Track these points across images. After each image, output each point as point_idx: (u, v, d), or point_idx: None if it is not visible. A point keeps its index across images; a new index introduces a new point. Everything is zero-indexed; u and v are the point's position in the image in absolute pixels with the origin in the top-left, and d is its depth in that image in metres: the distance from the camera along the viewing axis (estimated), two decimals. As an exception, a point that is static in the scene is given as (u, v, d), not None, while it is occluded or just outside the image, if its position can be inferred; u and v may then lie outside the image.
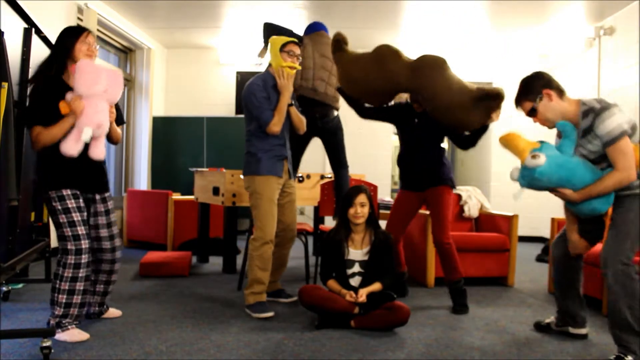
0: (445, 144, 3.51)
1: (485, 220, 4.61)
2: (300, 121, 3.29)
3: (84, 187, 2.68)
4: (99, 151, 2.64)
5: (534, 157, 2.43)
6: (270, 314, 3.04)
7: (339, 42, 3.37)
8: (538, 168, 2.43)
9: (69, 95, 2.52)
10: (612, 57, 5.81)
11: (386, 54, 3.21)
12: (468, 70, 7.55)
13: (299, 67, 3.24)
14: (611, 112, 2.35)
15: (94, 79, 2.51)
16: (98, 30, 5.62)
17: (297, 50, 3.19)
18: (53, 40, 3.00)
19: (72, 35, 2.63)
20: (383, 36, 6.86)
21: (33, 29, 2.64)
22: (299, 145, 3.98)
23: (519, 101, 2.62)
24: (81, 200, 2.62)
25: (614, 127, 2.33)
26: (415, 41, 7.05)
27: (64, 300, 2.54)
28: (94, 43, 2.68)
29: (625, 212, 2.40)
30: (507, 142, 2.57)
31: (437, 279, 4.08)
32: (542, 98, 2.52)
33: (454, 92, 3.06)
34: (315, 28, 4.23)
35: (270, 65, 3.23)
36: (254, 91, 3.13)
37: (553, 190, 2.50)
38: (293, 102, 3.25)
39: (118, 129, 2.89)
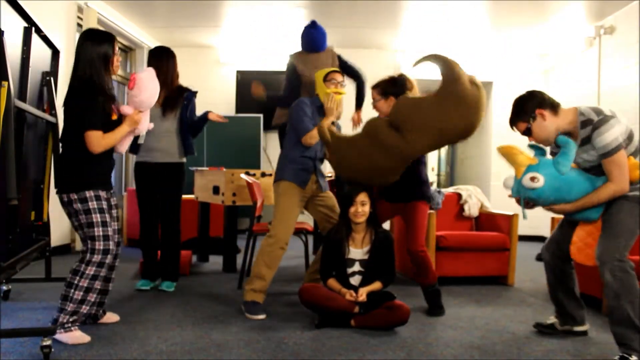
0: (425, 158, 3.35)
1: (486, 220, 4.61)
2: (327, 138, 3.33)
3: (110, 186, 2.76)
4: (125, 146, 2.81)
5: (532, 179, 2.46)
6: (262, 316, 3.04)
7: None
8: (536, 190, 2.47)
9: (127, 109, 2.70)
10: (612, 56, 5.81)
11: (376, 128, 2.90)
12: (468, 70, 7.57)
13: (345, 92, 3.33)
14: (609, 125, 2.39)
15: (155, 93, 2.81)
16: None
17: (339, 78, 3.30)
18: (53, 39, 3.00)
19: (109, 44, 2.64)
20: (383, 36, 6.87)
21: (33, 28, 2.64)
22: None
23: (513, 122, 2.64)
24: (109, 202, 2.71)
25: (611, 141, 2.38)
26: (415, 41, 7.06)
27: (79, 297, 2.52)
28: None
29: (615, 214, 2.46)
30: (506, 154, 2.61)
31: (438, 278, 4.07)
32: (536, 118, 2.55)
33: (439, 99, 2.77)
34: (312, 46, 4.21)
35: (317, 94, 3.33)
36: (300, 104, 3.26)
37: (548, 206, 2.56)
38: (335, 123, 3.34)
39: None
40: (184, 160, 3.79)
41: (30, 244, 2.78)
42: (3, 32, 2.16)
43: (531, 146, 2.66)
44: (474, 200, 4.68)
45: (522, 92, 2.66)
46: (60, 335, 2.49)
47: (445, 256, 4.11)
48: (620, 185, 2.42)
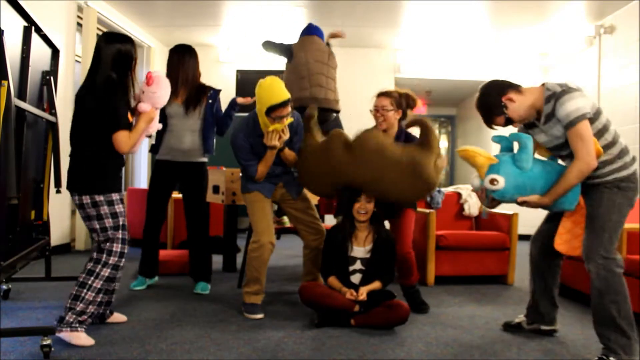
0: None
1: (485, 219, 4.61)
2: (293, 161, 3.20)
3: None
4: (138, 147, 2.72)
5: (492, 182, 2.42)
6: (260, 315, 3.04)
7: (308, 119, 3.15)
8: (498, 191, 2.44)
9: (144, 106, 2.68)
10: (612, 55, 5.81)
11: (333, 141, 2.97)
12: (468, 69, 7.58)
13: (289, 120, 3.01)
14: (571, 96, 2.30)
15: (167, 94, 2.79)
16: (98, 28, 5.62)
17: (285, 112, 2.94)
18: (53, 38, 3.00)
19: (131, 45, 2.66)
20: (382, 35, 6.87)
21: (33, 28, 2.64)
22: None
23: (490, 122, 2.56)
24: (123, 205, 2.69)
25: (573, 110, 2.27)
26: (415, 41, 7.05)
27: (90, 298, 2.51)
28: None
29: (595, 205, 2.38)
30: (465, 158, 2.56)
31: (437, 277, 4.08)
32: (507, 105, 2.48)
33: (401, 170, 2.82)
34: (308, 31, 4.18)
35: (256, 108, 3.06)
36: (237, 144, 3.08)
37: (520, 202, 2.47)
38: (285, 147, 3.12)
39: None
40: (206, 159, 3.77)
41: (30, 243, 2.78)
42: (3, 31, 2.16)
43: (495, 139, 2.62)
44: (473, 199, 4.68)
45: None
46: (65, 334, 2.46)
47: (445, 255, 4.11)
48: (585, 160, 2.26)
